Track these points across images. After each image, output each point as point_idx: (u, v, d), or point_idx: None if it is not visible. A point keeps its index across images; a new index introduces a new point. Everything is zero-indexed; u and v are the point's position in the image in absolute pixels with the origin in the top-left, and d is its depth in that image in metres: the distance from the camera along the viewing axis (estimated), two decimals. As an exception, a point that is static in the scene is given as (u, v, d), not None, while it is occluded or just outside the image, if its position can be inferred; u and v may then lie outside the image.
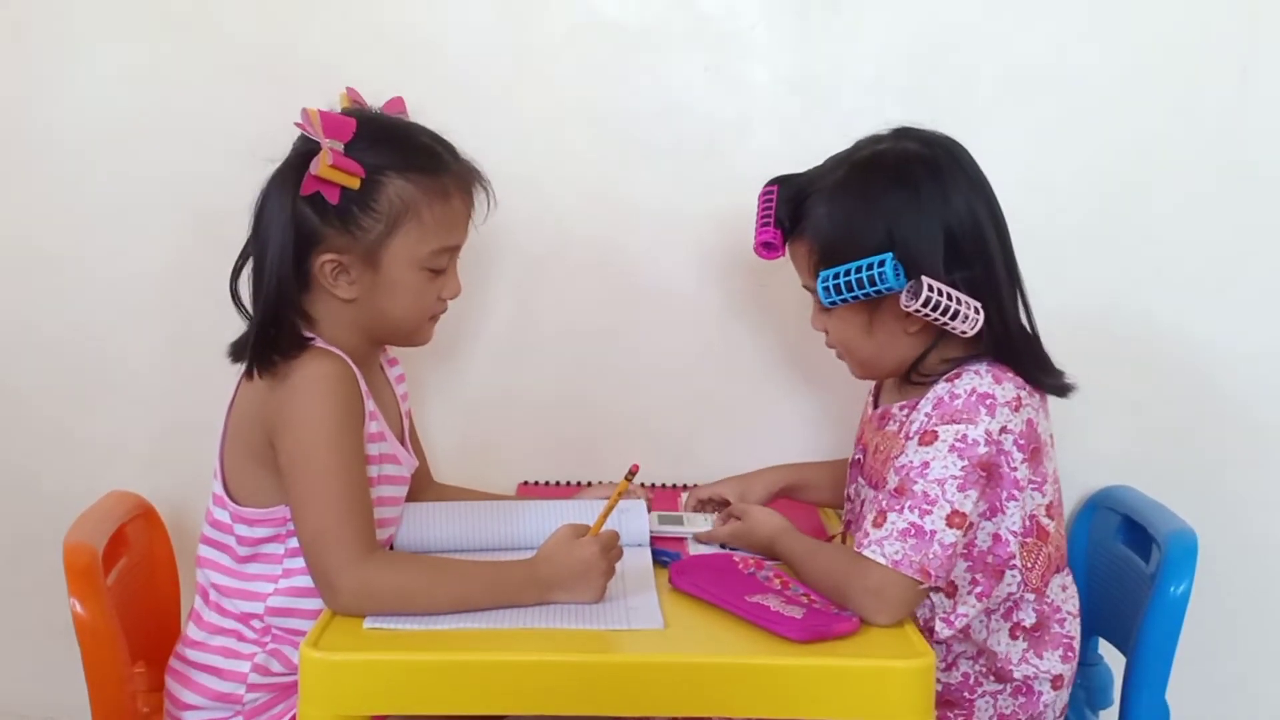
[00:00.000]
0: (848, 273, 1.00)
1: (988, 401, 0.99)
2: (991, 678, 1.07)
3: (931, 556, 0.95)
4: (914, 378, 1.06)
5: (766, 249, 1.07)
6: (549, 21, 1.33)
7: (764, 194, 1.09)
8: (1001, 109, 1.33)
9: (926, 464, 0.98)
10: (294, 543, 1.00)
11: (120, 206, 1.34)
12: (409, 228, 1.00)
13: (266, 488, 1.00)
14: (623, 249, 1.36)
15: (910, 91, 1.31)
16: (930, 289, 0.98)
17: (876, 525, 0.97)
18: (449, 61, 1.33)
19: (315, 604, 1.01)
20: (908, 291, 0.99)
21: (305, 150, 0.99)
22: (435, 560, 1.00)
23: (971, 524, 0.99)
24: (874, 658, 0.88)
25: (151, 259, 1.34)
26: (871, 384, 1.18)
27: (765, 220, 1.07)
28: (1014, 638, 1.06)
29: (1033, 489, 1.03)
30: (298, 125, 0.99)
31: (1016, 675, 1.06)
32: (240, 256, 1.03)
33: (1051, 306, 1.33)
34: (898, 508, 0.97)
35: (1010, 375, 1.03)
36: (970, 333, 1.01)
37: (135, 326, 1.36)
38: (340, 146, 0.97)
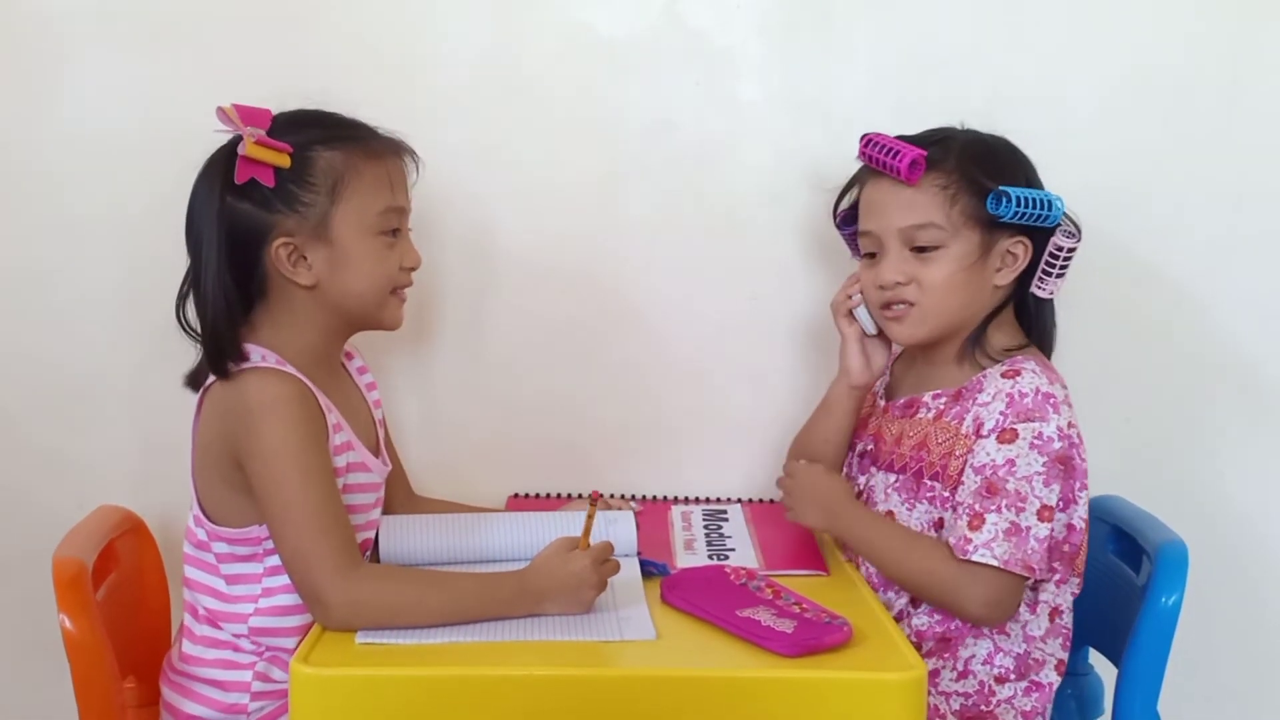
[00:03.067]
0: (1030, 193, 1.06)
1: (1052, 400, 1.05)
2: (1013, 675, 1.09)
3: (1031, 551, 1.01)
4: (976, 354, 1.11)
5: (913, 168, 1.08)
6: (541, 37, 1.33)
7: (874, 137, 1.12)
8: (992, 124, 1.33)
9: (1012, 462, 1.03)
10: (272, 561, 1.00)
11: (105, 224, 1.34)
12: (350, 192, 1.01)
13: (240, 508, 1.00)
14: (615, 263, 1.37)
15: (901, 107, 1.32)
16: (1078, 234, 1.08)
17: (974, 528, 1.02)
18: (441, 78, 1.33)
19: (297, 621, 1.01)
20: (1062, 230, 1.08)
21: (226, 150, 1.00)
22: (424, 572, 1.00)
23: (1055, 516, 1.04)
24: (866, 670, 0.88)
25: (138, 275, 1.34)
26: (879, 380, 1.22)
27: (902, 146, 1.09)
28: (1046, 619, 1.10)
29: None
30: (220, 120, 0.99)
31: (1035, 656, 1.09)
32: (183, 283, 1.03)
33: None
34: (994, 508, 1.02)
35: (1055, 373, 1.09)
36: (1054, 295, 1.10)
37: (122, 341, 1.35)
38: (261, 133, 0.99)
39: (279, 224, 1.00)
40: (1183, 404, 1.39)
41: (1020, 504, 1.02)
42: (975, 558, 1.01)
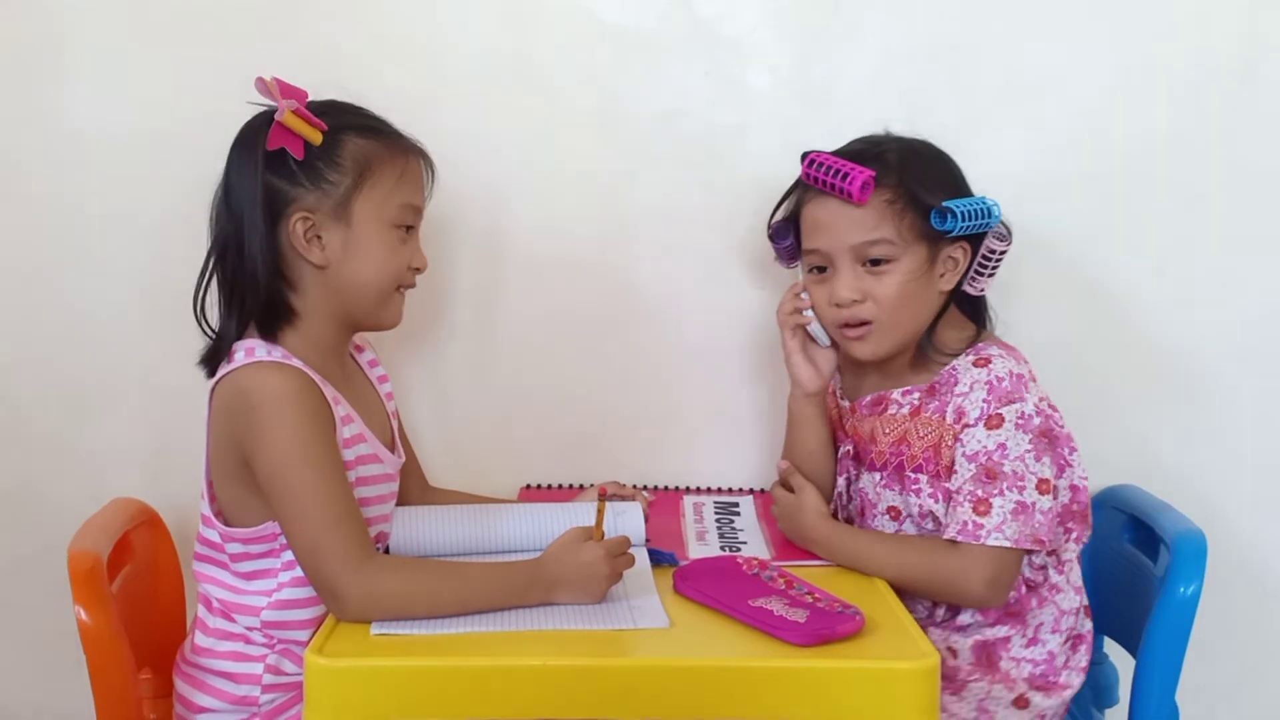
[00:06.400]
0: (970, 204, 1.08)
1: (1023, 380, 1.09)
2: (1076, 633, 1.13)
3: (1039, 525, 1.05)
4: (931, 354, 1.13)
5: (864, 189, 1.08)
6: (548, 26, 1.33)
7: (818, 157, 1.12)
8: (1001, 110, 1.33)
9: (1003, 445, 1.06)
10: (288, 556, 1.00)
11: (117, 217, 1.34)
12: (375, 180, 1.03)
13: (253, 506, 1.00)
14: (625, 253, 1.36)
15: (910, 93, 1.31)
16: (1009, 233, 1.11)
17: (981, 513, 1.04)
18: (449, 66, 1.33)
19: (307, 614, 1.02)
20: (994, 234, 1.11)
21: (264, 118, 1.01)
22: (438, 563, 1.00)
23: (1054, 486, 1.08)
24: (879, 659, 0.88)
25: (150, 266, 1.34)
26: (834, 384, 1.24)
27: (851, 167, 1.09)
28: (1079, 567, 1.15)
29: None
30: (258, 90, 1.01)
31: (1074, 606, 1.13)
32: (201, 274, 1.04)
33: (1053, 307, 1.34)
34: (997, 492, 1.05)
35: (1016, 351, 1.12)
36: (985, 291, 1.13)
37: (136, 333, 1.36)
38: (300, 105, 1.01)
39: (300, 198, 1.01)
40: (1196, 393, 1.38)
41: (1020, 483, 1.05)
42: (989, 541, 1.03)
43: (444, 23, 1.33)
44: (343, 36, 1.32)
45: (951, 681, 1.09)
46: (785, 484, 1.18)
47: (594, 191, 1.36)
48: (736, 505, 1.30)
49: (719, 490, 1.38)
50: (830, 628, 0.90)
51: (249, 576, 1.03)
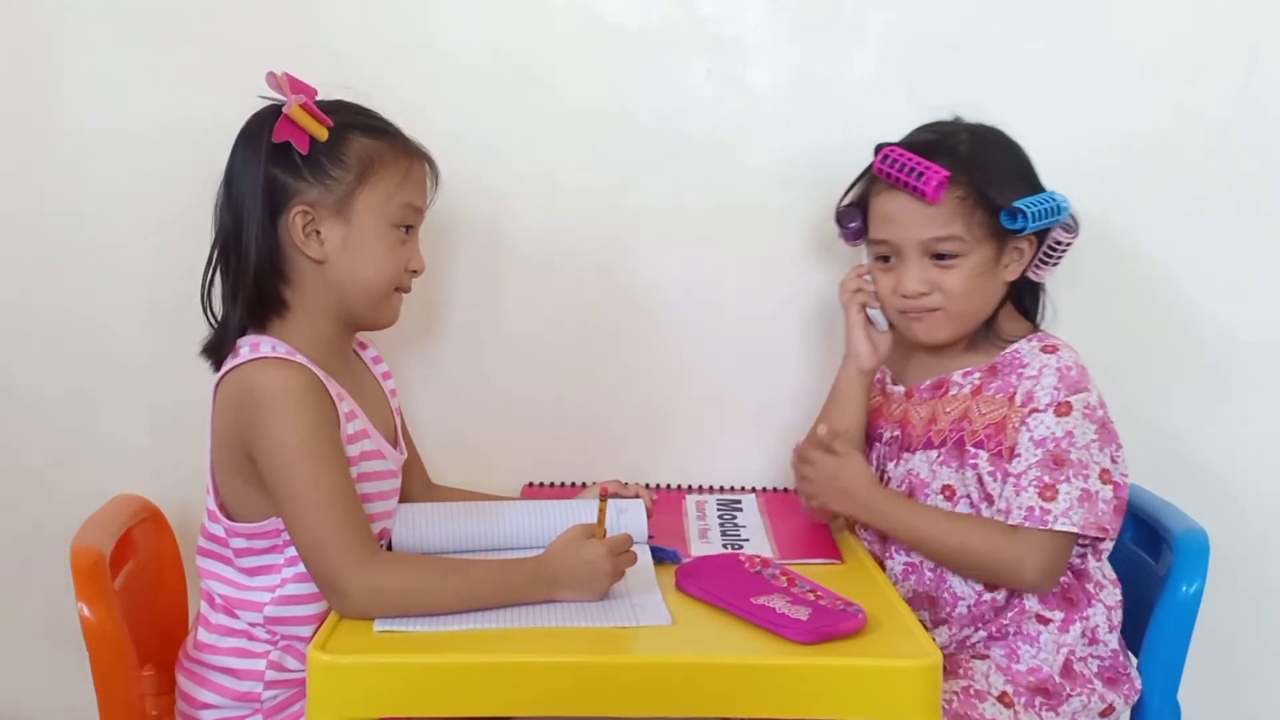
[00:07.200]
0: (1040, 202, 1.09)
1: (1086, 371, 1.11)
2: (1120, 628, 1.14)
3: (1102, 514, 1.07)
4: (995, 340, 1.14)
5: (939, 189, 1.09)
6: (550, 25, 1.33)
7: (892, 153, 1.11)
8: (1003, 109, 1.32)
9: (1070, 434, 1.07)
10: (291, 552, 1.01)
11: (119, 214, 1.35)
12: (377, 179, 1.03)
13: (257, 501, 1.01)
14: (625, 251, 1.37)
15: (912, 92, 1.32)
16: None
17: (1048, 499, 1.06)
18: (451, 66, 1.33)
19: (310, 609, 1.02)
20: (1062, 225, 1.12)
21: (266, 113, 1.02)
22: (440, 560, 1.00)
23: (1115, 478, 1.09)
24: (882, 657, 0.88)
25: (153, 264, 1.35)
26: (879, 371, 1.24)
27: (926, 166, 1.09)
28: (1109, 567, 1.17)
29: None
30: (269, 84, 1.01)
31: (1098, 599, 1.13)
32: (207, 265, 1.05)
33: (1058, 305, 1.34)
34: (1064, 479, 1.06)
35: (1069, 345, 1.14)
36: (1045, 279, 1.16)
37: (138, 331, 1.36)
38: (309, 100, 1.02)
39: (302, 192, 1.02)
40: (1199, 391, 1.38)
41: (1085, 471, 1.06)
42: (1057, 526, 1.05)
43: (444, 23, 1.33)
44: (344, 37, 1.32)
45: (1054, 698, 1.09)
46: (825, 448, 1.14)
47: (595, 192, 1.36)
48: (739, 503, 1.31)
49: (721, 489, 1.38)
50: (832, 625, 0.90)
51: (252, 572, 1.03)
